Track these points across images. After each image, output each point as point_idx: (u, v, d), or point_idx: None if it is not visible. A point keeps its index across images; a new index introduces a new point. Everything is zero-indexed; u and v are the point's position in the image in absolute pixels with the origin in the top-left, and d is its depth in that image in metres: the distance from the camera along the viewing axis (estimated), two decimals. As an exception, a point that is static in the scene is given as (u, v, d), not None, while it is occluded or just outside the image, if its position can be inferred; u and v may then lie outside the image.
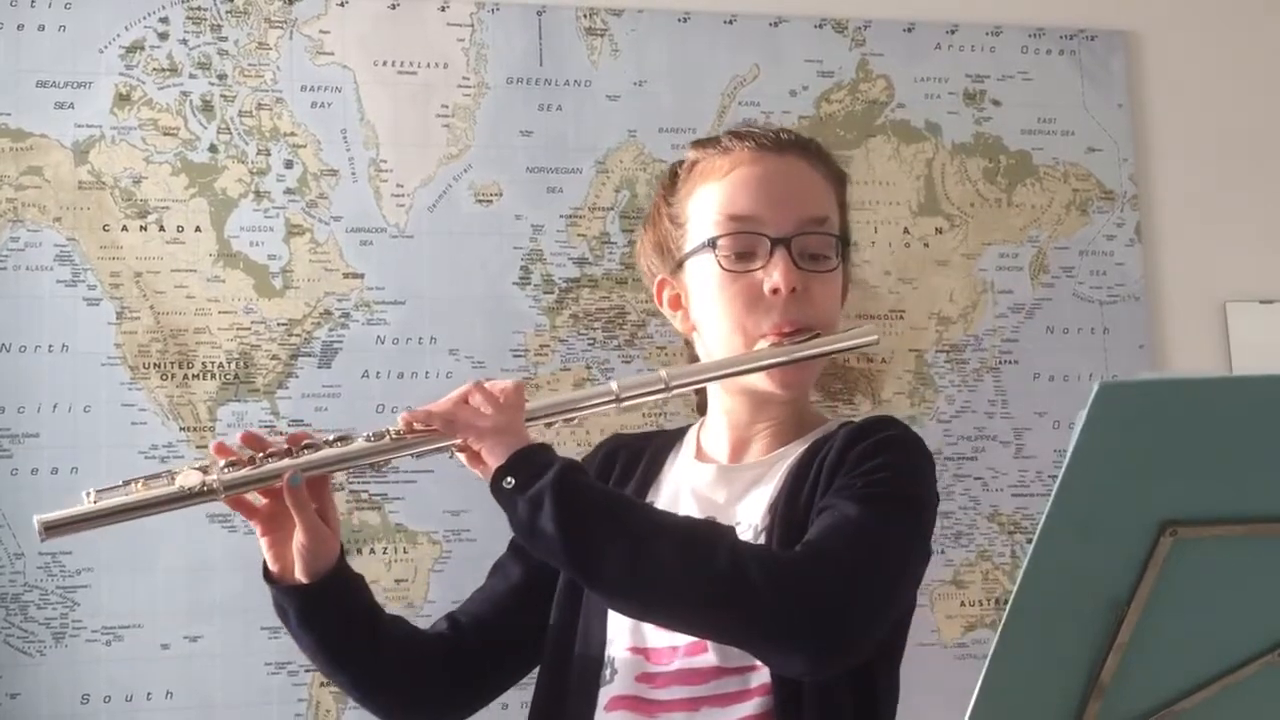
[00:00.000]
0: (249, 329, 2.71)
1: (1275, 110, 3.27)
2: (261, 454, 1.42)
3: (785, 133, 1.58)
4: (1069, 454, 0.97)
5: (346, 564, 1.49)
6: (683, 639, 1.43)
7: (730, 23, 3.01)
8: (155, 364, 2.66)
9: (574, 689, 1.49)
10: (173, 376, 2.67)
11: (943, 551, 2.92)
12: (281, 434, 2.64)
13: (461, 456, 1.41)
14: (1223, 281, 3.16)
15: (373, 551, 2.67)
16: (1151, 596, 1.02)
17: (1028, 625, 1.02)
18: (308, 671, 2.63)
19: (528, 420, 1.43)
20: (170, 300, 2.69)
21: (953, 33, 3.11)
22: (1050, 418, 3.02)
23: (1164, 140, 3.20)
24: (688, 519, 1.44)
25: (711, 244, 1.50)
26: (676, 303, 1.59)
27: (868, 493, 1.38)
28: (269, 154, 2.76)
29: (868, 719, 1.42)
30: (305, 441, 1.43)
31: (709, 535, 1.36)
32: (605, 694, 1.46)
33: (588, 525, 1.33)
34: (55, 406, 2.61)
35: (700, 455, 1.58)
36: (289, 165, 2.77)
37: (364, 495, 2.70)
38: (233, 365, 2.69)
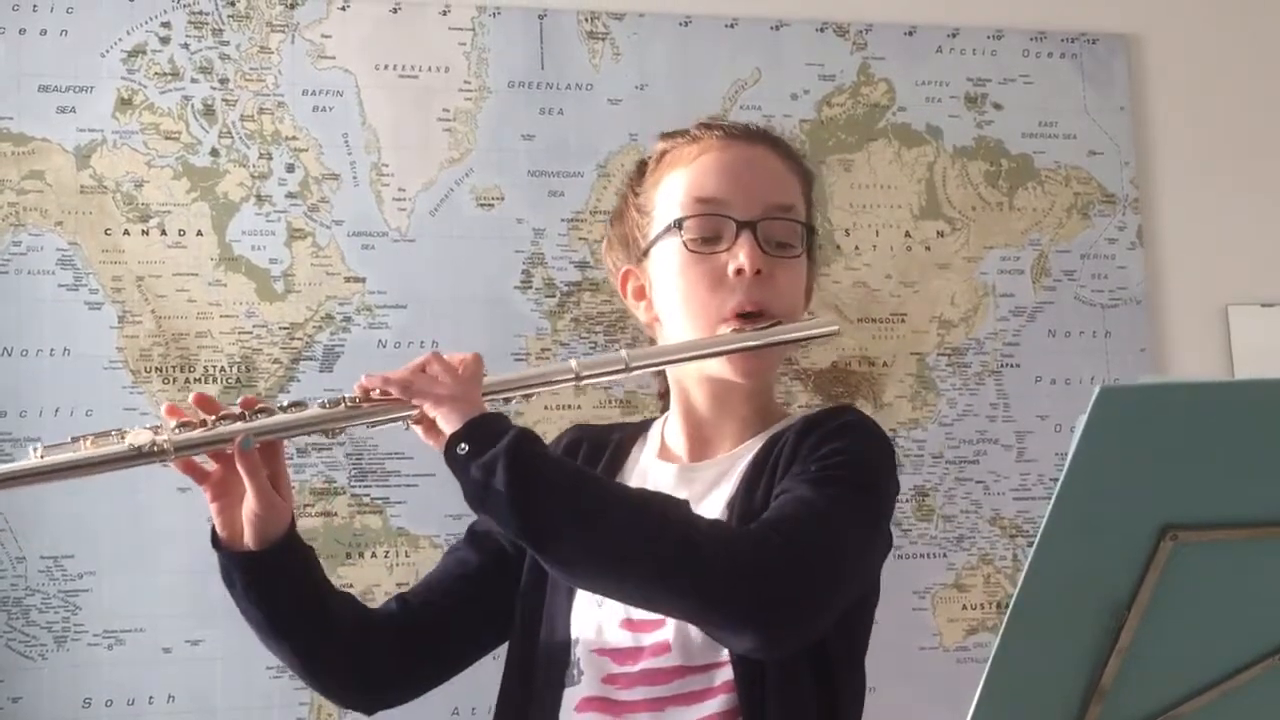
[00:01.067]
0: (251, 333, 2.71)
1: (1276, 112, 3.27)
2: (214, 417, 1.39)
3: (754, 126, 1.59)
4: (1070, 458, 0.97)
5: (297, 534, 1.47)
6: (646, 639, 1.43)
7: (731, 26, 3.01)
8: (157, 368, 2.66)
9: (540, 690, 1.48)
10: (174, 380, 2.67)
11: (944, 555, 2.92)
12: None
13: (418, 430, 1.40)
14: (1224, 285, 3.16)
15: (374, 555, 2.67)
16: (1152, 600, 1.02)
17: (1029, 629, 1.02)
18: (309, 675, 2.63)
19: (486, 395, 1.42)
20: (172, 304, 2.69)
21: (954, 36, 3.11)
22: (1051, 421, 3.02)
23: (1165, 144, 3.20)
24: (641, 491, 1.42)
25: (678, 225, 1.50)
26: (640, 293, 1.58)
27: (823, 475, 1.38)
28: (270, 158, 2.77)
29: (831, 714, 1.42)
30: (258, 406, 1.42)
31: (662, 507, 1.35)
32: (573, 695, 1.45)
33: (540, 493, 1.31)
34: (57, 410, 2.61)
35: (663, 452, 1.57)
36: (290, 169, 2.77)
37: (366, 499, 2.71)
38: (234, 369, 2.69)
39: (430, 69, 2.87)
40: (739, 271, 1.47)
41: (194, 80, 2.76)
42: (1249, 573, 1.04)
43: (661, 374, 1.60)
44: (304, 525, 2.63)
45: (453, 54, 2.89)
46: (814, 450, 1.41)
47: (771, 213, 1.50)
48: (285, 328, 2.73)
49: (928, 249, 3.02)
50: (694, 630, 1.39)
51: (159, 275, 2.69)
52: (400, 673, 1.54)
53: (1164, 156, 3.19)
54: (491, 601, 1.55)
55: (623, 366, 1.49)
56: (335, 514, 2.69)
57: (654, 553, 1.30)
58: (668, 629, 1.42)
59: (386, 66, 2.85)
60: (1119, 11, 3.22)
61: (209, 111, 2.76)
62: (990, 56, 3.13)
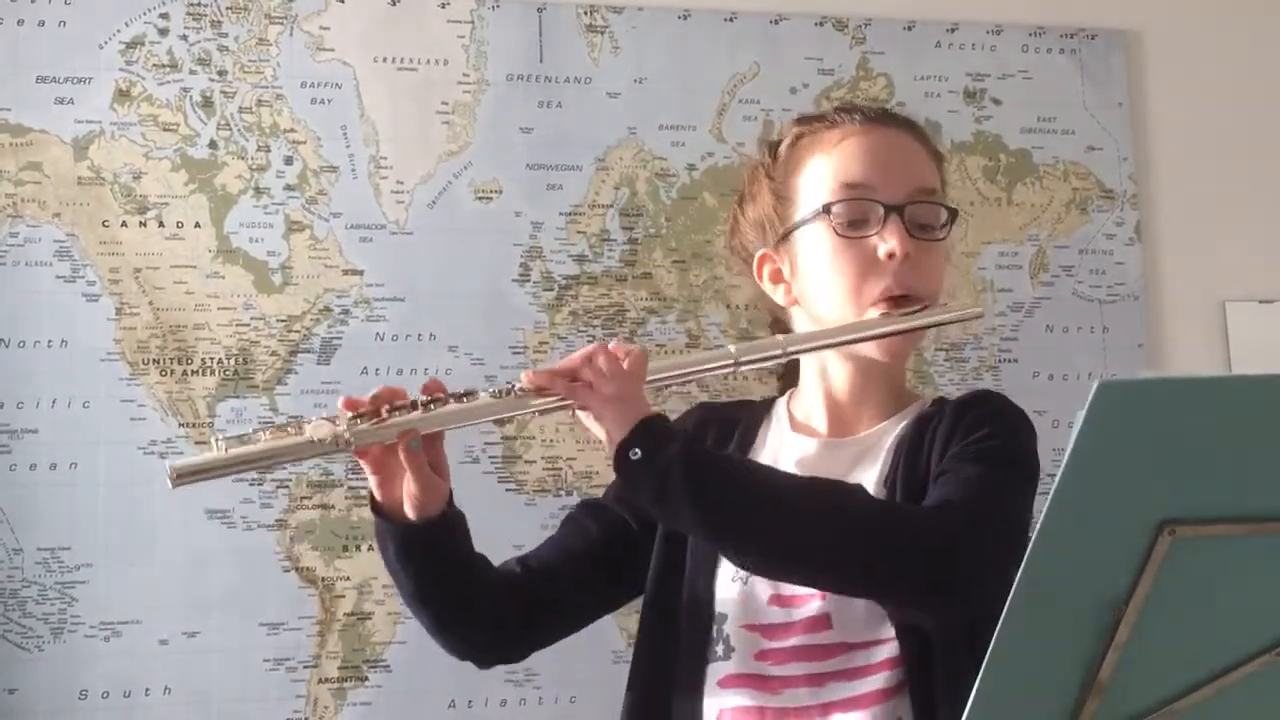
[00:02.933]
0: (248, 325, 2.71)
1: (1275, 110, 3.27)
2: (389, 406, 1.43)
3: (890, 109, 1.62)
4: (1068, 453, 0.97)
5: (454, 508, 1.50)
6: (797, 614, 1.45)
7: (730, 20, 3.01)
8: (154, 360, 2.66)
9: (681, 666, 1.49)
10: (172, 372, 2.67)
11: (941, 550, 2.92)
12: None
13: (584, 416, 1.43)
14: (1222, 281, 3.16)
15: (370, 548, 2.67)
16: (1150, 595, 1.02)
17: (1026, 623, 1.02)
18: (306, 668, 2.63)
19: (648, 384, 1.45)
20: (169, 296, 2.68)
21: (953, 31, 3.11)
22: (1049, 416, 3.00)
23: (1164, 139, 3.20)
24: (812, 479, 1.44)
25: (826, 210, 1.51)
26: (777, 276, 1.59)
27: (984, 454, 1.42)
28: (269, 150, 2.76)
29: None
30: (431, 396, 1.45)
31: (841, 491, 1.39)
32: (717, 670, 1.47)
33: (719, 492, 1.35)
34: (54, 402, 2.61)
35: (797, 428, 1.59)
36: (289, 161, 2.77)
37: (362, 492, 2.70)
38: (232, 361, 2.69)
39: (429, 61, 2.87)
40: (889, 255, 1.49)
41: (192, 72, 2.76)
42: (1247, 568, 1.04)
43: (794, 363, 1.62)
44: (301, 517, 2.65)
45: (451, 47, 2.88)
46: (969, 433, 1.45)
47: (916, 196, 1.52)
48: (283, 320, 2.73)
49: (926, 244, 3.02)
50: (857, 604, 1.42)
51: (157, 267, 2.69)
52: (516, 632, 1.57)
53: (1162, 152, 3.19)
54: (610, 570, 1.57)
55: (780, 351, 1.52)
56: (332, 506, 2.69)
57: (840, 535, 1.34)
58: (823, 602, 1.44)
59: (385, 59, 2.85)
60: (1118, 7, 3.22)
61: (207, 103, 2.76)
62: (989, 52, 3.12)
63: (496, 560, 1.57)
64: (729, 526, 1.36)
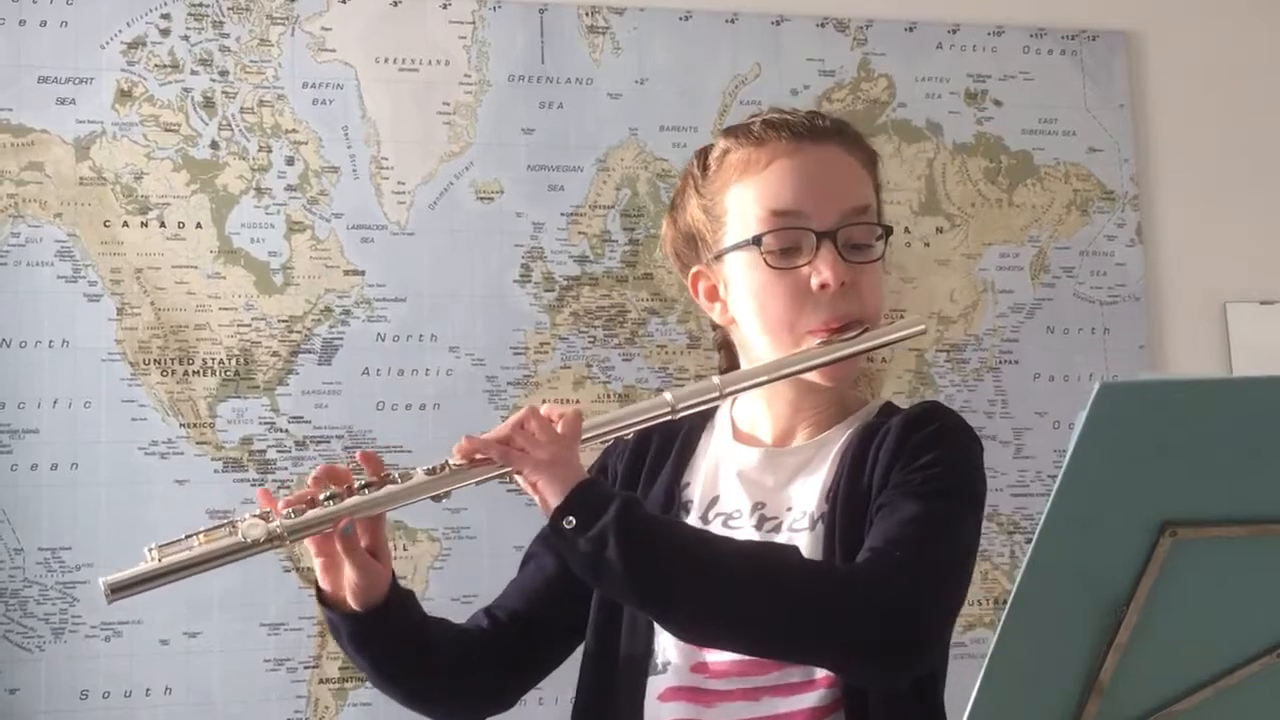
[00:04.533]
0: (249, 325, 2.71)
1: (1276, 111, 3.27)
2: (324, 495, 1.40)
3: (819, 118, 1.55)
4: (1069, 454, 0.97)
5: (398, 589, 1.48)
6: None
7: (732, 21, 3.01)
8: (155, 360, 2.66)
9: (622, 680, 1.49)
10: (173, 373, 2.67)
11: (942, 551, 2.92)
12: (285, 432, 2.65)
13: (520, 480, 1.41)
14: (1223, 282, 3.16)
15: (372, 548, 2.67)
16: (1151, 596, 1.02)
17: (1027, 625, 1.02)
18: (306, 668, 2.63)
19: (584, 440, 1.43)
20: (171, 296, 2.69)
21: (954, 32, 3.11)
22: (1050, 418, 3.02)
23: (1165, 141, 3.20)
24: (750, 544, 1.42)
25: (756, 241, 1.48)
26: (713, 294, 1.56)
27: (926, 489, 1.39)
28: (270, 150, 2.76)
29: (925, 699, 1.42)
30: (365, 480, 1.42)
31: (776, 559, 1.36)
32: (656, 684, 1.46)
33: (653, 561, 1.32)
34: (55, 402, 2.61)
35: (739, 436, 1.57)
36: (290, 162, 2.77)
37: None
38: (233, 362, 2.69)
39: (430, 62, 2.87)
40: (823, 286, 1.46)
41: (194, 72, 2.76)
42: (1247, 569, 1.04)
43: (730, 357, 1.60)
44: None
45: (453, 47, 2.88)
46: (914, 457, 1.42)
47: (849, 218, 1.48)
48: (284, 320, 2.73)
49: (927, 245, 3.03)
50: None
51: (158, 267, 2.69)
52: (499, 686, 1.57)
53: (1163, 154, 3.19)
54: (576, 602, 1.55)
55: (717, 394, 1.49)
56: (333, 507, 2.68)
57: (777, 608, 1.31)
58: None
59: (386, 59, 2.85)
60: (1119, 8, 3.22)
61: (209, 104, 2.76)
62: (990, 53, 3.12)
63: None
64: (662, 599, 1.34)
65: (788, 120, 1.53)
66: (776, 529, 1.48)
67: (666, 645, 1.47)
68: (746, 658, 1.42)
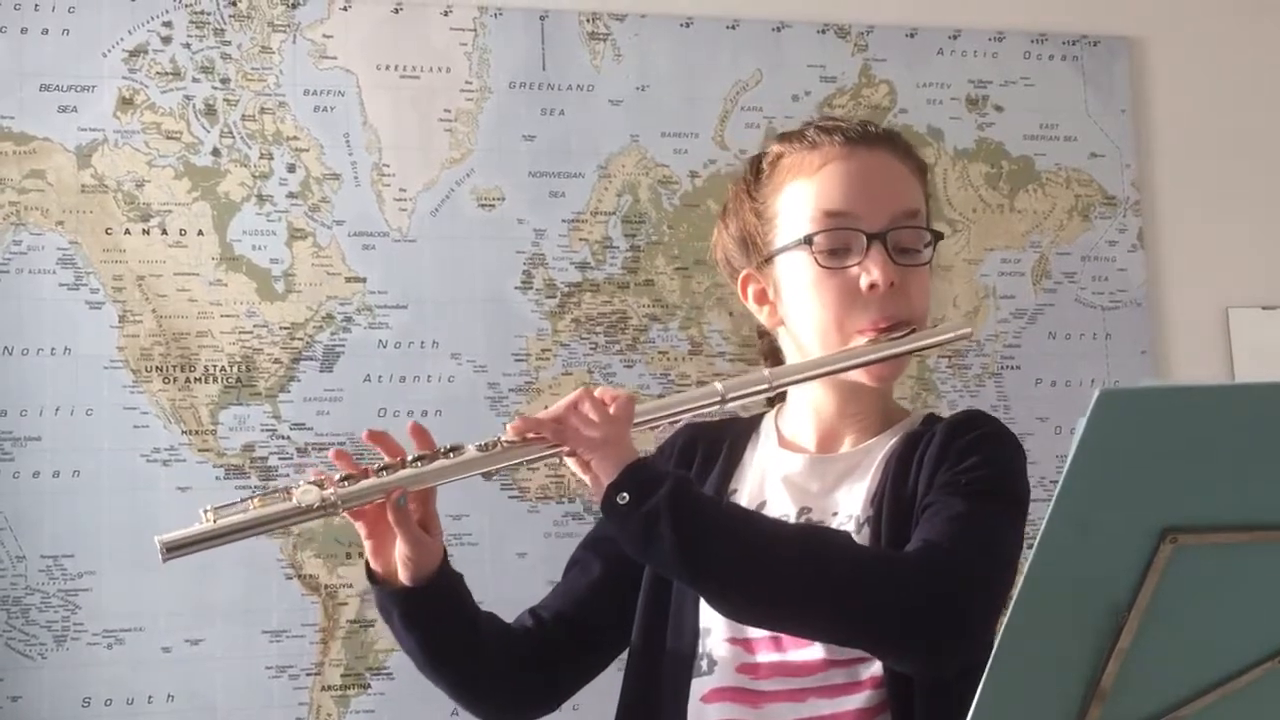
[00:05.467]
0: (251, 333, 2.71)
1: (1277, 116, 3.27)
2: (376, 466, 1.42)
3: (871, 125, 1.58)
4: (1070, 459, 0.97)
5: (449, 568, 1.49)
6: None
7: (733, 28, 3.01)
8: (157, 367, 2.66)
9: (666, 681, 1.49)
10: (175, 380, 2.67)
11: (944, 557, 2.92)
12: (287, 438, 2.66)
13: (571, 462, 1.43)
14: (1225, 287, 3.16)
15: (374, 555, 2.67)
16: (1152, 603, 1.02)
17: (1028, 630, 1.02)
18: (308, 675, 2.63)
19: (635, 426, 1.44)
20: (172, 304, 2.69)
21: (955, 38, 3.12)
22: (1052, 423, 3.02)
23: (1166, 146, 3.20)
24: (800, 526, 1.45)
25: (807, 241, 1.50)
26: (762, 297, 1.58)
27: (972, 489, 1.41)
28: (271, 158, 2.77)
29: (966, 702, 1.43)
30: (418, 453, 1.44)
31: (825, 541, 1.39)
32: (701, 685, 1.47)
33: (705, 540, 1.34)
34: (57, 409, 2.61)
35: (784, 443, 1.59)
36: (291, 169, 2.77)
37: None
38: (235, 369, 2.69)
39: (431, 69, 2.87)
40: (872, 286, 1.48)
41: (195, 80, 2.76)
42: (1249, 576, 1.04)
43: (775, 364, 1.61)
44: (303, 526, 2.64)
45: (454, 54, 2.89)
46: (959, 460, 1.44)
47: (899, 221, 1.51)
48: (286, 327, 2.73)
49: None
50: None
51: (160, 275, 2.69)
52: (545, 687, 1.58)
53: (1165, 159, 3.19)
54: (622, 602, 1.57)
55: (766, 385, 1.51)
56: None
57: (825, 588, 1.34)
58: None
59: (388, 67, 2.85)
60: (1120, 14, 3.22)
61: (210, 111, 2.76)
62: (991, 59, 3.13)
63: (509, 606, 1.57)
64: (712, 575, 1.36)
65: (840, 125, 1.56)
66: None
67: (713, 646, 1.48)
68: (792, 659, 1.43)
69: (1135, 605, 1.02)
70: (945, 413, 1.63)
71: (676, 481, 1.36)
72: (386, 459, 1.43)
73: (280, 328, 2.73)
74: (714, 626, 1.48)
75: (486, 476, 1.47)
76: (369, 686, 2.66)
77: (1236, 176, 3.21)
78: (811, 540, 1.39)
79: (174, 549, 1.38)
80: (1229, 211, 3.19)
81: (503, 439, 1.43)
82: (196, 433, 2.66)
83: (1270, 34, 3.30)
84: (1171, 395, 0.99)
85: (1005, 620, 1.02)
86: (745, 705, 1.45)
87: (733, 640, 1.47)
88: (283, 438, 2.69)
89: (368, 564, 1.49)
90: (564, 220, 2.87)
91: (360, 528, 1.47)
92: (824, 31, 3.05)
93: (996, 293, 3.05)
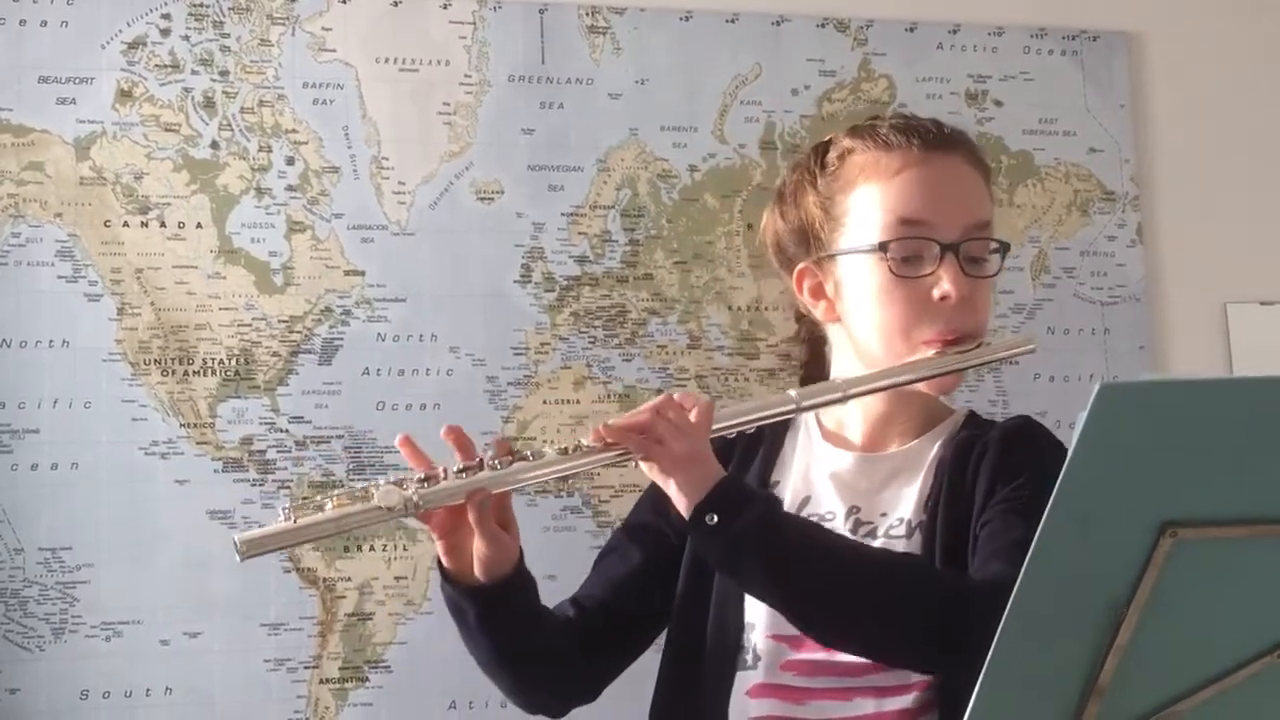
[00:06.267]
0: (250, 325, 2.71)
1: (1277, 112, 3.26)
2: (456, 469, 1.42)
3: (945, 127, 1.58)
4: (1069, 455, 0.97)
5: (525, 566, 1.50)
6: None
7: (732, 21, 3.01)
8: (156, 360, 2.66)
9: (709, 673, 1.50)
10: (173, 373, 2.67)
11: (942, 551, 2.92)
12: (285, 431, 2.65)
13: (646, 466, 1.42)
14: (1224, 283, 3.16)
15: (372, 549, 2.67)
16: (1151, 597, 1.02)
17: (1026, 626, 1.02)
18: (307, 669, 2.63)
19: (712, 433, 1.44)
20: (171, 296, 2.68)
21: (955, 33, 3.11)
22: (1051, 418, 2.96)
23: (1166, 141, 3.20)
24: (887, 554, 1.45)
25: (881, 247, 1.50)
26: (819, 291, 1.58)
27: (1032, 508, 1.40)
28: (270, 150, 2.76)
29: None
30: (499, 454, 1.44)
31: (909, 571, 1.39)
32: (745, 679, 1.47)
33: (795, 565, 1.35)
34: (55, 402, 2.61)
35: (827, 437, 1.59)
36: (290, 162, 2.77)
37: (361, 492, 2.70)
38: (233, 362, 2.69)
39: (431, 62, 2.87)
40: (944, 298, 1.49)
41: (194, 72, 2.76)
42: (1248, 570, 1.04)
43: (811, 352, 1.64)
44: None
45: (453, 47, 2.88)
46: (1014, 474, 1.44)
47: (971, 232, 1.52)
48: (284, 320, 2.73)
49: (927, 245, 3.02)
50: None
51: (158, 267, 2.69)
52: (591, 676, 1.58)
53: (1164, 154, 3.19)
54: (661, 589, 1.57)
55: (840, 395, 1.52)
56: (333, 507, 2.68)
57: (909, 620, 1.34)
58: None
59: (387, 60, 2.85)
60: (1120, 9, 3.22)
61: (209, 104, 2.76)
62: (991, 53, 3.12)
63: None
64: (800, 600, 1.37)
65: (917, 128, 1.55)
66: (872, 534, 1.49)
67: (757, 640, 1.48)
68: (839, 658, 1.43)
69: (1134, 600, 1.02)
70: (956, 408, 1.63)
71: (766, 505, 1.37)
72: (461, 461, 1.42)
73: (279, 321, 2.72)
74: (758, 621, 1.48)
75: (564, 480, 1.47)
76: (367, 680, 2.66)
77: (1235, 172, 3.20)
78: (897, 567, 1.40)
79: (253, 548, 1.37)
80: (1228, 207, 3.19)
81: (583, 443, 1.43)
82: (195, 425, 2.66)
83: (1269, 30, 3.29)
84: (1171, 389, 0.99)
85: (1004, 615, 1.02)
86: (789, 702, 1.45)
87: (777, 637, 1.47)
88: (281, 431, 2.69)
89: (441, 567, 1.48)
90: (563, 214, 2.87)
91: (432, 530, 1.45)
92: (823, 25, 3.05)
93: (995, 287, 3.04)
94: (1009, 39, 3.13)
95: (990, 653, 1.03)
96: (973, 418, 1.58)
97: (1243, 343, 3.14)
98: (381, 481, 1.41)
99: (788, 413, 1.50)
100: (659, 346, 2.86)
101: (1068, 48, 3.16)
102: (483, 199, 2.85)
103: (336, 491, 1.41)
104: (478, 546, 1.44)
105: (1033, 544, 1.00)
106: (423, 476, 1.41)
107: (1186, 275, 3.15)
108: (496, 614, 1.47)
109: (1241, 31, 3.27)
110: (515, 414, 2.78)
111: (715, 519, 1.34)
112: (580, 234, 2.87)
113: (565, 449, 1.44)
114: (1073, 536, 1.00)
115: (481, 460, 1.43)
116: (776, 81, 3.00)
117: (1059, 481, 0.98)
